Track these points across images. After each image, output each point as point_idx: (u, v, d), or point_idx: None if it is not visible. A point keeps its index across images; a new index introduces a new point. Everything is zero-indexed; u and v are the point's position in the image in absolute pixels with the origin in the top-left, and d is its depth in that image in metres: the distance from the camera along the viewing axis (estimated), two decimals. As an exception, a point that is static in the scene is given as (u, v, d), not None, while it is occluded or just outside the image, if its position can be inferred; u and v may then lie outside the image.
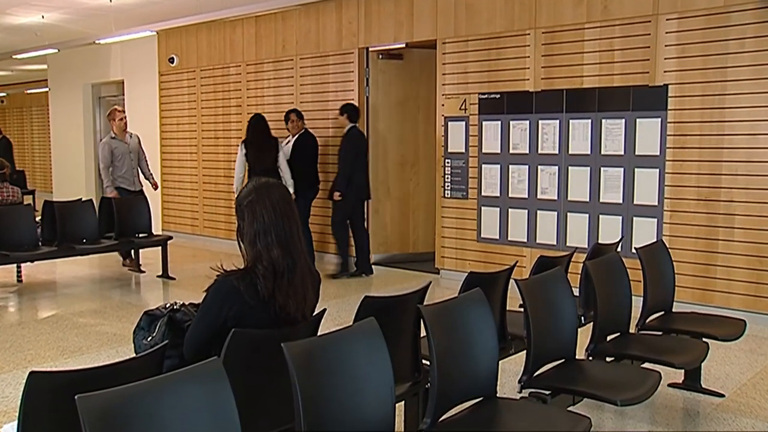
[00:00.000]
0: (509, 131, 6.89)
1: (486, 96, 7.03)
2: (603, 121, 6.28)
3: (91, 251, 7.12)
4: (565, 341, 3.20)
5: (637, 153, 6.11)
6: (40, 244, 6.77)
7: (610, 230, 6.23)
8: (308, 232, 7.63)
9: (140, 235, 7.49)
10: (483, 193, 7.13)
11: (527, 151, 6.78)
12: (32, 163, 18.48)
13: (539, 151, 6.69)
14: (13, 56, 11.67)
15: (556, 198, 6.63)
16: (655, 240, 5.50)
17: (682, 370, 4.03)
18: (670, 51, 5.88)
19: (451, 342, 2.62)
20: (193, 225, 10.24)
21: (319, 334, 2.60)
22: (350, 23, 8.09)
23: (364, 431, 2.23)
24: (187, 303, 2.88)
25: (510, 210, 6.96)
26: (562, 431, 2.57)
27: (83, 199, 7.42)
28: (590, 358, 3.46)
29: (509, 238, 6.99)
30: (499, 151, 6.97)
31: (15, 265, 7.16)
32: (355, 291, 6.89)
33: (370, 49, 8.04)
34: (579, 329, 3.35)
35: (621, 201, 6.22)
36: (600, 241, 5.87)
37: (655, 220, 6.05)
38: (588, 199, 6.43)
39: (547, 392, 2.94)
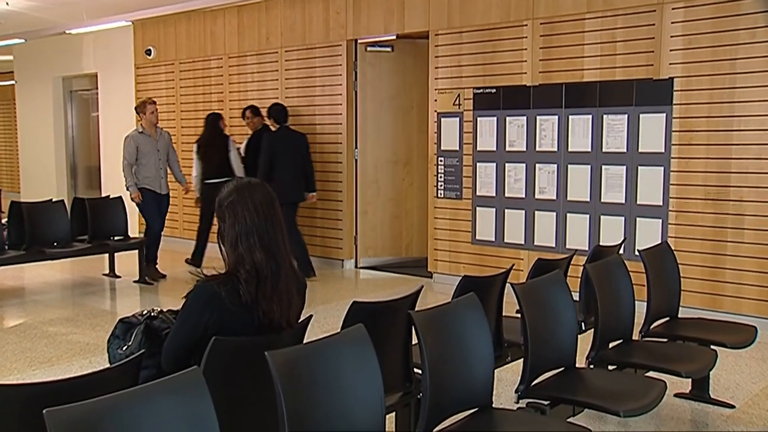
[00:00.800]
0: (505, 128, 6.91)
1: (481, 90, 7.04)
2: (604, 116, 6.30)
3: (62, 255, 7.09)
4: (564, 348, 3.21)
5: (640, 150, 6.13)
6: (6, 247, 6.73)
7: (611, 231, 6.25)
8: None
9: (115, 238, 7.46)
10: (478, 193, 7.15)
11: (524, 149, 6.80)
12: (-2, 161, 18.38)
13: (537, 149, 6.71)
14: (-26, 46, 11.60)
15: (554, 198, 6.66)
16: (659, 242, 5.50)
17: (689, 380, 4.04)
18: (676, 42, 5.91)
19: (445, 350, 2.63)
20: (172, 227, 10.20)
21: (305, 341, 2.60)
22: (338, 14, 8.10)
23: (353, 444, 2.23)
24: (165, 310, 2.88)
25: (506, 210, 6.98)
26: (561, 444, 2.59)
27: (54, 199, 7.39)
28: (591, 366, 3.46)
29: (505, 240, 7.01)
30: (494, 149, 6.99)
31: (-21, 270, 7.12)
32: (343, 296, 6.89)
33: (359, 41, 8.05)
34: (579, 336, 3.36)
35: (623, 201, 6.25)
36: (601, 243, 5.91)
37: (660, 220, 6.07)
38: (588, 199, 6.45)
39: (546, 403, 2.95)
